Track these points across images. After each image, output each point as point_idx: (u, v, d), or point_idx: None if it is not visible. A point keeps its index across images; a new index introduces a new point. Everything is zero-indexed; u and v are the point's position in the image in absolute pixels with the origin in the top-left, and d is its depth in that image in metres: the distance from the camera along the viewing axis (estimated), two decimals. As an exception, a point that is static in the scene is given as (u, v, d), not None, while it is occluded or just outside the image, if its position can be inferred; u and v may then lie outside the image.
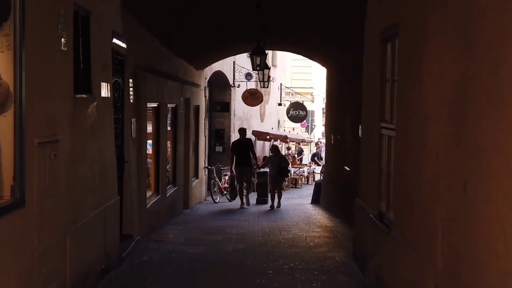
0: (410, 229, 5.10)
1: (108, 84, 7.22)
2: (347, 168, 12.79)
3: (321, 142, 44.59)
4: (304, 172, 28.68)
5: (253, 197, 16.73)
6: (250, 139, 15.94)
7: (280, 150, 23.97)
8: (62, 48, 5.30)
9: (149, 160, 10.71)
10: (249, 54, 12.29)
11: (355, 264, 7.93)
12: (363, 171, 7.97)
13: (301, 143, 33.69)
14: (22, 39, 4.32)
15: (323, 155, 42.24)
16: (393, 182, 5.81)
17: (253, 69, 12.86)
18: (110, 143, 7.36)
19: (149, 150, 10.85)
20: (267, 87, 15.79)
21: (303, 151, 34.35)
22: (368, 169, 7.54)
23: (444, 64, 4.13)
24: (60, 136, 5.22)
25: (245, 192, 15.73)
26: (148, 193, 10.46)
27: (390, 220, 6.11)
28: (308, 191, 24.37)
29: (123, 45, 8.22)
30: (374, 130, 7.03)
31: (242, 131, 15.48)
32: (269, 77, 14.59)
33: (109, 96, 7.25)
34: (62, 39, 5.28)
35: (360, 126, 11.21)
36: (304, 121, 31.93)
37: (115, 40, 7.72)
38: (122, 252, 7.81)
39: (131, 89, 8.89)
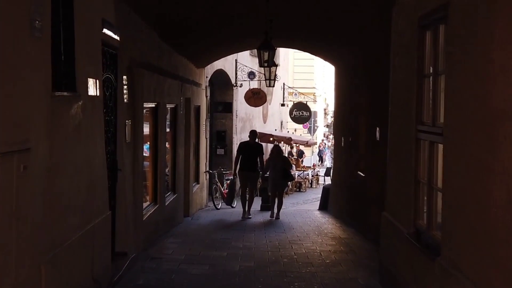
0: (471, 260, 4.07)
1: (97, 81, 6.17)
2: (361, 174, 11.78)
3: (323, 144, 43.80)
4: (308, 175, 27.64)
5: (257, 202, 15.62)
6: (260, 144, 14.57)
7: (283, 152, 22.98)
8: (35, 34, 4.25)
9: (146, 163, 9.67)
10: (256, 49, 11.23)
11: (382, 288, 6.91)
12: (391, 182, 6.93)
13: (301, 145, 32.63)
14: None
15: (324, 156, 41.68)
16: (444, 199, 4.76)
17: (260, 66, 11.82)
18: (100, 149, 6.31)
19: (146, 154, 9.83)
20: (274, 86, 14.72)
21: (303, 153, 33.37)
22: (399, 180, 6.50)
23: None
24: (32, 144, 4.18)
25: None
26: (145, 203, 9.42)
27: (434, 243, 5.08)
28: (313, 195, 23.39)
29: (116, 37, 7.18)
30: (409, 134, 5.99)
31: (253, 133, 14.10)
32: (275, 75, 13.50)
33: (98, 94, 6.21)
34: (36, 23, 4.24)
35: (378, 129, 10.25)
36: (307, 122, 30.90)
37: (105, 31, 6.68)
38: (115, 274, 6.77)
39: (125, 87, 7.86)
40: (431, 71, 5.44)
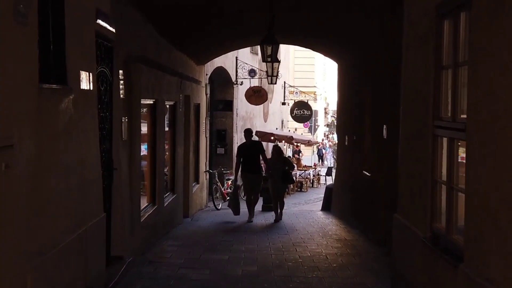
0: (502, 268, 3.67)
1: (91, 74, 5.78)
2: (367, 174, 11.39)
3: (323, 143, 43.40)
4: (309, 174, 27.22)
5: (258, 202, 15.15)
6: (258, 142, 13.97)
7: (284, 152, 22.57)
8: (19, 19, 3.85)
9: (144, 162, 9.27)
10: (259, 43, 10.80)
11: (394, 294, 6.51)
12: (404, 182, 6.52)
13: (302, 145, 32.19)
14: None
15: (325, 155, 41.25)
16: (467, 200, 4.35)
17: (263, 60, 11.40)
18: (94, 147, 5.92)
19: (144, 153, 9.42)
20: (276, 83, 14.30)
21: (300, 152, 32.94)
22: (413, 180, 6.09)
23: None
24: (15, 140, 3.78)
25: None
26: (143, 204, 9.02)
27: (454, 248, 4.68)
28: (314, 195, 23.00)
29: (112, 29, 6.79)
30: (424, 130, 5.59)
31: (247, 132, 13.35)
32: (278, 72, 13.05)
33: (91, 88, 5.81)
34: (20, 7, 3.84)
35: (385, 126, 9.85)
36: (308, 121, 30.46)
37: (100, 22, 6.29)
38: (110, 280, 6.37)
39: (121, 82, 7.46)
40: (450, 62, 5.04)
